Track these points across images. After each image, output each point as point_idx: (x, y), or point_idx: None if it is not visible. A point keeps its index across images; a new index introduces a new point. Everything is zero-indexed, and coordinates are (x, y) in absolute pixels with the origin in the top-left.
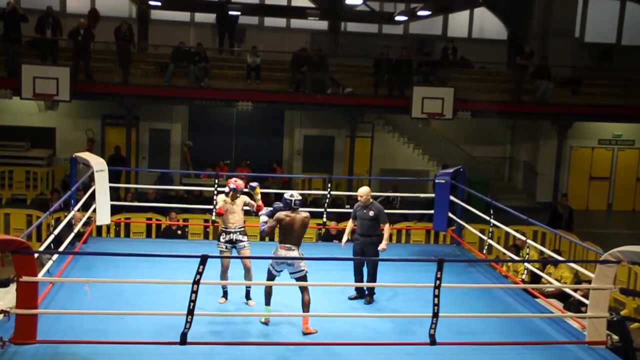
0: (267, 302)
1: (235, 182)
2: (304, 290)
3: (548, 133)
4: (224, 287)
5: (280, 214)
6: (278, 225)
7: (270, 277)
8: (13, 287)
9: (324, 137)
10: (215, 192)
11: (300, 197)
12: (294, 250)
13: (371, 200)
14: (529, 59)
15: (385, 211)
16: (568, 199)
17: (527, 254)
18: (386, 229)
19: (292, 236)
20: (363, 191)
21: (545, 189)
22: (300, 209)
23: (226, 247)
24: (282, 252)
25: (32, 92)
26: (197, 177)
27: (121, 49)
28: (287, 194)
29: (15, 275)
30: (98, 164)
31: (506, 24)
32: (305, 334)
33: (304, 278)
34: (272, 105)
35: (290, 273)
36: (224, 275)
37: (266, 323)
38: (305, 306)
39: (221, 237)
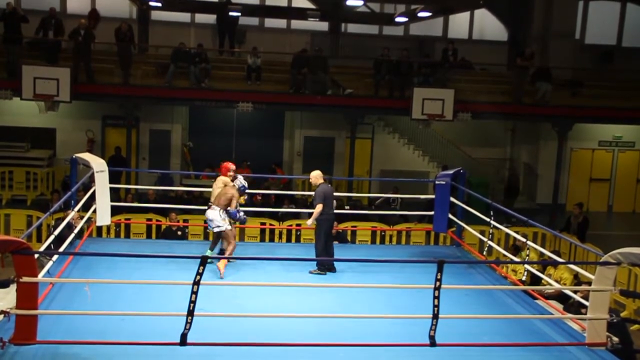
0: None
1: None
2: (223, 241)
3: (548, 135)
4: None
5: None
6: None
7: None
8: (13, 287)
9: (324, 139)
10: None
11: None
12: (214, 209)
13: (318, 183)
14: (529, 61)
15: (386, 212)
16: (582, 209)
17: (527, 255)
18: (315, 210)
19: (214, 199)
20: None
21: (545, 191)
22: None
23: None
24: (208, 210)
25: (33, 92)
26: (197, 178)
27: (122, 50)
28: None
29: (15, 276)
30: (98, 165)
31: (506, 26)
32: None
33: (220, 234)
34: (272, 106)
35: (212, 227)
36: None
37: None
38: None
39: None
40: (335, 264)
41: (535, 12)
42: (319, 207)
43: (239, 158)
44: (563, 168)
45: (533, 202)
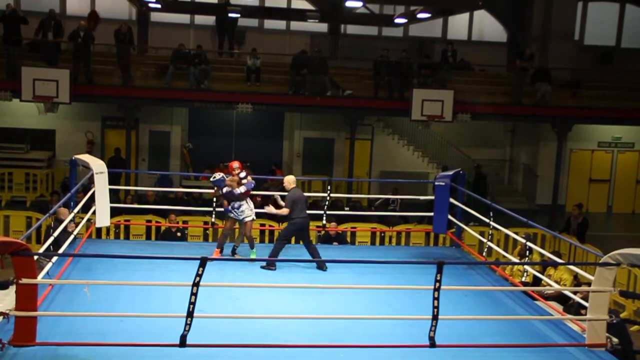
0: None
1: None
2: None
3: (548, 135)
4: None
5: None
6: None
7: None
8: (12, 289)
9: (324, 140)
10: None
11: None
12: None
13: (290, 187)
14: (528, 62)
15: (386, 213)
16: (582, 209)
17: (527, 256)
18: (282, 210)
19: None
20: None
21: (545, 192)
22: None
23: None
24: None
25: (32, 94)
26: (197, 179)
27: (121, 51)
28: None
29: (14, 278)
30: (98, 166)
31: (506, 27)
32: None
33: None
34: (271, 107)
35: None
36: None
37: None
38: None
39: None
40: (335, 265)
41: (534, 13)
42: (284, 210)
43: (238, 159)
44: (563, 169)
45: (533, 202)
